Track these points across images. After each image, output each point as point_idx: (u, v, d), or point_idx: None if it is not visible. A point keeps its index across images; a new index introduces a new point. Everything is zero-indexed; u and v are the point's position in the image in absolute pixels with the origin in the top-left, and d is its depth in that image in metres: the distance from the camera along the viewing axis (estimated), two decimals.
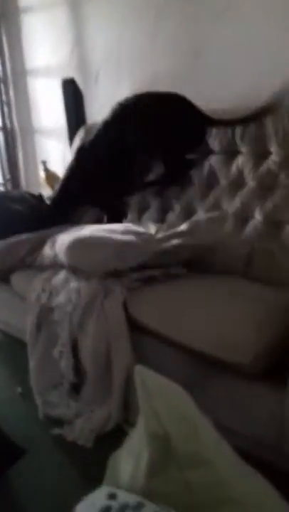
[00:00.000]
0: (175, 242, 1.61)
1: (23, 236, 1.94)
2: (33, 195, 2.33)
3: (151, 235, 1.75)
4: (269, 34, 1.91)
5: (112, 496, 0.55)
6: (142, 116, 1.98)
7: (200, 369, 1.30)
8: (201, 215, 1.90)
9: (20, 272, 1.88)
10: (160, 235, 1.71)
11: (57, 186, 2.30)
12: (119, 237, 1.65)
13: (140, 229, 1.81)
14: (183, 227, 1.70)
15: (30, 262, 1.88)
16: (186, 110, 1.95)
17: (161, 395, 0.69)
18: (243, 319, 1.25)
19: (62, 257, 1.69)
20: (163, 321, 1.38)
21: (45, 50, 2.98)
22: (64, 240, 1.72)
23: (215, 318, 1.28)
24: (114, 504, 0.55)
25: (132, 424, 1.22)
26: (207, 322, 1.29)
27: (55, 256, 1.75)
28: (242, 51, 2.01)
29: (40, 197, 2.32)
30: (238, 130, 1.85)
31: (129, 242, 1.63)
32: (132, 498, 0.55)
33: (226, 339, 1.22)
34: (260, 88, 1.95)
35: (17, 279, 1.88)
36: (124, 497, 0.55)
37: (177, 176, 2.00)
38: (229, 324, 1.25)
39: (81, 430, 1.48)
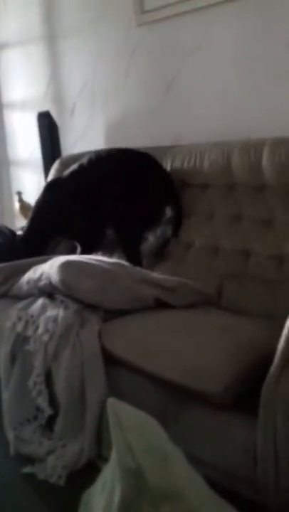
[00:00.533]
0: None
1: None
2: (9, 229, 2.33)
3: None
4: (240, 71, 1.99)
5: None
6: (115, 170, 2.04)
7: (173, 400, 1.29)
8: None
9: None
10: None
11: (26, 222, 2.30)
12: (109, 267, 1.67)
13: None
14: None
15: (3, 291, 1.86)
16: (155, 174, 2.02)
17: (134, 427, 0.69)
18: (214, 350, 1.27)
19: (53, 274, 1.65)
20: (135, 352, 1.38)
21: (22, 84, 3.05)
22: (55, 261, 1.70)
23: (186, 348, 1.29)
24: None
25: (105, 459, 1.20)
26: (178, 353, 1.29)
27: (39, 279, 1.72)
28: (213, 87, 2.10)
29: (13, 231, 2.32)
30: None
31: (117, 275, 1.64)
32: None
33: (196, 370, 1.23)
34: (230, 123, 2.03)
35: None
36: None
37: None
38: (200, 355, 1.26)
39: (53, 468, 1.44)
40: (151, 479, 0.61)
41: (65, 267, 1.63)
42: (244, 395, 1.18)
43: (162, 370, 1.29)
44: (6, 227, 2.37)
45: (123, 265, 1.74)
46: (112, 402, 0.72)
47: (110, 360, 1.45)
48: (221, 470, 1.18)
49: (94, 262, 1.69)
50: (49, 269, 1.69)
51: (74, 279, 1.61)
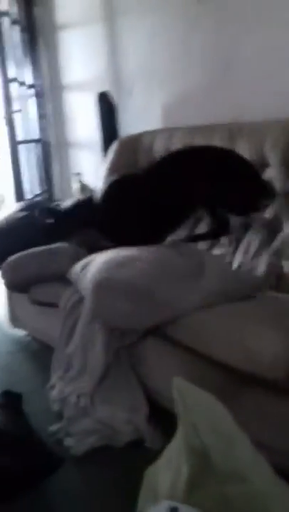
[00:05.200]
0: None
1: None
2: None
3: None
4: None
5: (174, 510, 0.55)
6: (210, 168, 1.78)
7: (232, 383, 1.28)
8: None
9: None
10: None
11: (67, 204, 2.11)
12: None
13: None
14: None
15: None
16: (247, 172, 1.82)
17: (199, 408, 0.70)
18: (277, 333, 1.23)
19: (86, 295, 1.56)
20: (197, 338, 1.37)
21: (81, 65, 3.07)
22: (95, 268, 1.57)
23: (248, 333, 1.27)
24: None
25: None
26: (241, 337, 1.27)
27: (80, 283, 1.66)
28: (273, 63, 2.01)
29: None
30: None
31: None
32: None
33: (259, 354, 1.20)
34: None
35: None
36: (187, 511, 0.55)
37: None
38: (262, 339, 1.23)
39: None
40: (216, 459, 0.62)
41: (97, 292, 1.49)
42: None
43: (224, 355, 1.27)
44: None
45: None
46: (178, 382, 0.73)
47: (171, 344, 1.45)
48: (285, 455, 1.16)
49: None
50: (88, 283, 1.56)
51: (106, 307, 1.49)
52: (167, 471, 0.70)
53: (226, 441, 0.66)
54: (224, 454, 0.63)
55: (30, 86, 3.33)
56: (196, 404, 0.70)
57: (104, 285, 1.48)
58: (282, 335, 1.20)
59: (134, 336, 1.54)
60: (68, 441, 1.52)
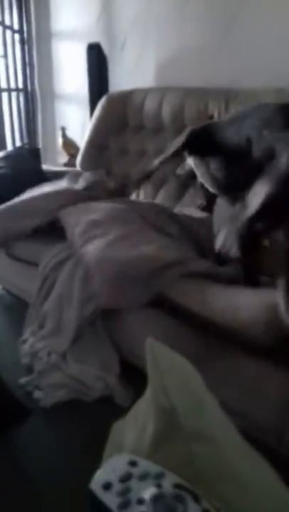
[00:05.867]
0: None
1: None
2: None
3: None
4: None
5: (132, 464, 0.56)
6: None
7: (211, 345, 1.30)
8: None
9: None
10: None
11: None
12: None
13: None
14: None
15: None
16: None
17: (171, 370, 0.70)
18: (258, 298, 1.25)
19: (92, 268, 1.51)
20: (186, 295, 1.37)
21: (73, 13, 2.92)
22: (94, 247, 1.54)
23: (235, 295, 1.28)
24: (135, 471, 0.55)
25: None
26: (227, 298, 1.29)
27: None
28: (274, 30, 1.96)
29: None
30: None
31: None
32: (153, 467, 0.56)
33: (242, 313, 1.22)
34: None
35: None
36: (145, 465, 0.56)
37: None
38: (247, 301, 1.25)
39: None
40: (184, 419, 0.63)
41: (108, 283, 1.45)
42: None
43: (211, 312, 1.28)
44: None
45: None
46: (151, 344, 0.72)
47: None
48: (251, 420, 1.20)
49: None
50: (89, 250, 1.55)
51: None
52: (134, 428, 0.71)
53: (194, 403, 0.67)
54: (192, 414, 0.64)
55: (17, 31, 3.16)
56: (167, 365, 0.70)
57: (115, 278, 1.43)
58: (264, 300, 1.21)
59: None
60: (37, 394, 1.54)
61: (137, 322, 1.50)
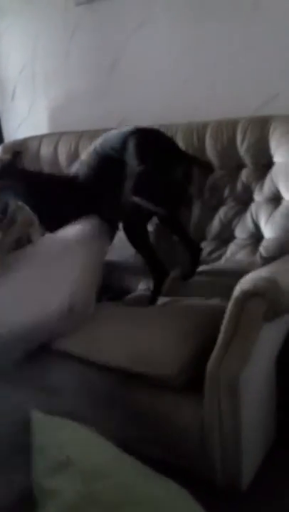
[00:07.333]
0: None
1: None
2: None
3: None
4: (184, 50, 1.98)
5: None
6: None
7: (120, 385, 1.28)
8: None
9: None
10: None
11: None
12: None
13: None
14: None
15: None
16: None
17: (60, 432, 0.70)
18: (167, 335, 1.26)
19: None
20: (82, 344, 1.35)
21: None
22: None
23: (137, 336, 1.28)
24: None
25: None
26: (128, 341, 1.28)
27: None
28: (156, 67, 2.07)
29: None
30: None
31: None
32: None
33: (148, 355, 1.22)
34: (174, 105, 2.02)
35: None
36: None
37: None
38: (151, 341, 1.25)
39: None
40: (78, 464, 0.62)
41: None
42: (196, 377, 1.18)
43: (111, 359, 1.27)
44: None
45: None
46: (37, 415, 0.72)
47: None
48: (171, 449, 1.19)
49: None
50: None
51: None
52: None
53: (85, 448, 0.66)
54: (85, 458, 0.63)
55: None
56: (56, 429, 0.70)
57: None
58: (175, 335, 1.22)
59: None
60: None
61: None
